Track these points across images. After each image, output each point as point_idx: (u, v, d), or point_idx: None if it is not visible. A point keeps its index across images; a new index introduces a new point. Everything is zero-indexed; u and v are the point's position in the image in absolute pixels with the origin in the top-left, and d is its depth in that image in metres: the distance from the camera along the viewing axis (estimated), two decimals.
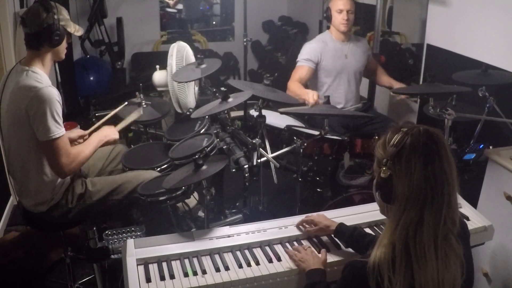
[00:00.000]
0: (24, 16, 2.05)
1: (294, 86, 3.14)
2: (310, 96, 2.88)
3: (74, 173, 2.21)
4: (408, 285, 1.21)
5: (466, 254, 1.31)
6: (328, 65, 3.21)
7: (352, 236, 1.72)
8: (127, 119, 2.54)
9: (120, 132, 2.45)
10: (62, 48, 2.16)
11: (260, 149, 2.18)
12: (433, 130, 1.28)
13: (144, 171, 2.32)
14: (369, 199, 2.22)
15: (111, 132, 2.34)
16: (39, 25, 2.02)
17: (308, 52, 3.21)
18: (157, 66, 3.31)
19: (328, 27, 3.34)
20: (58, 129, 2.01)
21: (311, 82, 3.30)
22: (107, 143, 2.33)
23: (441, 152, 1.24)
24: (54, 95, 2.01)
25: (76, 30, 2.18)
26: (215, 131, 2.44)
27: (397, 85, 3.33)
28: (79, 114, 4.42)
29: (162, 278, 1.59)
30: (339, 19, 3.16)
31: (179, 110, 2.94)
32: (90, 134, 2.48)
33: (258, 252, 1.75)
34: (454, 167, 1.27)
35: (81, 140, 2.45)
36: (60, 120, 2.04)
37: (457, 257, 1.26)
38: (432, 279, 1.21)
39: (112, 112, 2.64)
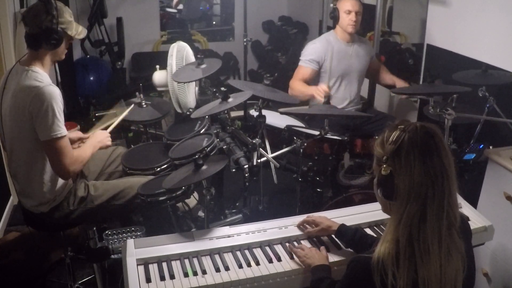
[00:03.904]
0: (25, 14, 2.03)
1: (298, 85, 3.15)
2: (315, 90, 2.88)
3: (75, 174, 2.20)
4: (411, 280, 1.22)
5: (467, 250, 1.32)
6: (332, 66, 3.19)
7: (353, 237, 1.73)
8: (116, 119, 2.50)
9: (112, 132, 2.44)
10: (61, 50, 2.12)
11: (260, 149, 2.18)
12: (429, 126, 1.30)
13: (146, 177, 2.31)
14: (369, 199, 2.22)
15: (104, 139, 2.33)
16: (38, 26, 1.99)
17: (312, 52, 3.19)
18: (157, 66, 3.30)
19: (329, 28, 3.33)
20: (60, 129, 2.00)
21: (313, 82, 3.29)
22: (100, 149, 2.33)
23: (439, 146, 1.26)
24: (56, 93, 1.99)
25: (78, 33, 2.13)
26: (215, 131, 2.44)
27: (399, 82, 3.33)
28: (79, 114, 4.43)
29: (162, 278, 1.59)
30: (347, 20, 3.14)
31: (179, 110, 2.94)
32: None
33: (258, 252, 1.75)
34: (452, 161, 1.28)
35: (81, 144, 2.42)
36: (62, 119, 2.02)
37: (458, 252, 1.27)
38: (435, 274, 1.23)
39: (120, 118, 2.57)
